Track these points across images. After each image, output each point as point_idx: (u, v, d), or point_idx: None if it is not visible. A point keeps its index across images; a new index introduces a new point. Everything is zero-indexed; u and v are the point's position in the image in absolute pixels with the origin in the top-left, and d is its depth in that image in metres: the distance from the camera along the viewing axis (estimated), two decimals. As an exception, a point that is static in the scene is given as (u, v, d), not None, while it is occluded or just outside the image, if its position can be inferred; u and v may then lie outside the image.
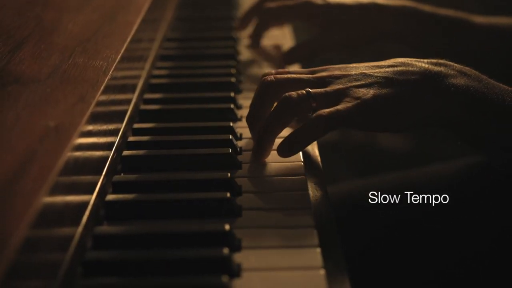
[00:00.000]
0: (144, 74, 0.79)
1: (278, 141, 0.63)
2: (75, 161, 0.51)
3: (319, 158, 0.67)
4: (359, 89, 0.62)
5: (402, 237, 0.74)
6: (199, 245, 0.52)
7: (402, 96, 0.62)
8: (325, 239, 0.54)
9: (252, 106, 0.66)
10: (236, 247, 0.52)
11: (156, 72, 0.84)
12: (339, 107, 0.61)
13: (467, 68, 0.65)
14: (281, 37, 0.97)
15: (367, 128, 0.63)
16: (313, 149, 0.68)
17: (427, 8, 0.88)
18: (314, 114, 0.61)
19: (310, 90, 0.62)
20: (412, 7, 0.88)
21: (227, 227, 0.52)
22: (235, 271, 0.49)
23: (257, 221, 0.55)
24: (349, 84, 0.63)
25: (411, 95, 0.62)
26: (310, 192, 0.60)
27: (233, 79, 0.80)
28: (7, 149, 0.47)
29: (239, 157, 0.65)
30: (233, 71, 0.83)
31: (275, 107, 0.63)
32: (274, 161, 0.64)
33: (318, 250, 0.51)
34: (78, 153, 0.52)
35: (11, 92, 0.56)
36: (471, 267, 0.72)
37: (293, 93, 0.62)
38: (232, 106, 0.73)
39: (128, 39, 0.72)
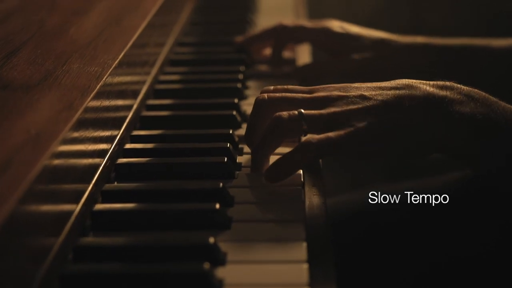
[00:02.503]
0: (149, 79, 0.78)
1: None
2: (54, 170, 0.49)
3: (320, 166, 0.64)
4: (355, 115, 0.58)
5: (400, 238, 0.71)
6: (183, 259, 0.50)
7: (401, 124, 0.58)
8: (317, 253, 0.51)
9: (247, 125, 0.64)
10: (220, 261, 0.50)
11: (163, 77, 0.82)
12: (331, 134, 0.57)
13: (475, 91, 0.60)
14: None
15: (360, 157, 0.60)
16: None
17: (439, 40, 0.85)
18: (303, 140, 0.58)
19: (303, 111, 0.59)
20: (423, 42, 0.85)
21: (211, 240, 0.50)
22: (215, 287, 0.47)
23: (246, 234, 0.53)
24: (345, 108, 0.59)
25: (411, 123, 0.59)
26: (307, 202, 0.58)
27: (239, 85, 0.78)
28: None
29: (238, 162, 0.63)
30: (240, 76, 0.81)
31: (265, 127, 0.61)
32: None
33: (305, 266, 0.49)
34: (59, 161, 0.50)
35: (-3, 98, 0.55)
36: (471, 267, 0.68)
37: (284, 114, 0.59)
38: (234, 112, 0.71)
39: (129, 44, 0.70)
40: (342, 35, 0.85)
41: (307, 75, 0.84)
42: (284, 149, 0.62)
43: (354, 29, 0.86)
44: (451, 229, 0.70)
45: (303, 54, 0.93)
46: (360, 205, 0.74)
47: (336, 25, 0.86)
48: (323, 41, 0.86)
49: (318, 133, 0.59)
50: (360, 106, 0.59)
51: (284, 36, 0.87)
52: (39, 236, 0.47)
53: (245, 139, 0.64)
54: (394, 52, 0.84)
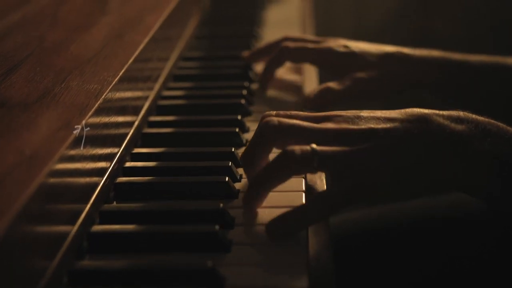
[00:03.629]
0: (152, 95, 0.77)
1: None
2: (50, 189, 0.48)
3: (325, 187, 0.63)
4: (367, 156, 0.55)
5: (405, 255, 0.68)
6: (182, 283, 0.49)
7: (414, 164, 0.55)
8: (318, 279, 0.50)
9: (249, 147, 0.59)
10: (219, 285, 0.49)
11: (166, 93, 0.81)
12: (338, 189, 0.54)
13: (492, 123, 0.57)
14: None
15: (371, 204, 0.57)
16: (320, 177, 0.64)
17: (457, 56, 0.80)
18: (321, 193, 0.55)
19: (316, 147, 0.55)
20: (440, 56, 0.80)
21: (209, 264, 0.49)
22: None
23: (246, 258, 0.52)
24: (356, 148, 0.55)
25: (425, 162, 0.55)
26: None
27: (242, 101, 0.77)
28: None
29: (238, 185, 0.61)
30: (244, 92, 0.80)
31: (273, 160, 0.56)
32: (275, 190, 0.59)
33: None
34: (54, 180, 0.49)
35: (-7, 117, 0.54)
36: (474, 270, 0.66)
37: (297, 149, 0.55)
38: (237, 130, 0.70)
39: (130, 60, 0.69)
40: (345, 55, 0.80)
41: (319, 105, 0.78)
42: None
43: (361, 46, 0.82)
44: (457, 244, 0.68)
45: (310, 75, 0.89)
46: (364, 222, 0.72)
47: (340, 44, 0.82)
48: (325, 61, 0.82)
49: (325, 171, 0.55)
50: (371, 144, 0.55)
51: (284, 56, 0.82)
52: (32, 258, 0.46)
53: (241, 162, 0.60)
54: (407, 67, 0.79)
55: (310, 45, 0.82)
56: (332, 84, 0.79)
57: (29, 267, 0.45)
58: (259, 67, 0.88)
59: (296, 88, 0.85)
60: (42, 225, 0.47)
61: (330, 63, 0.81)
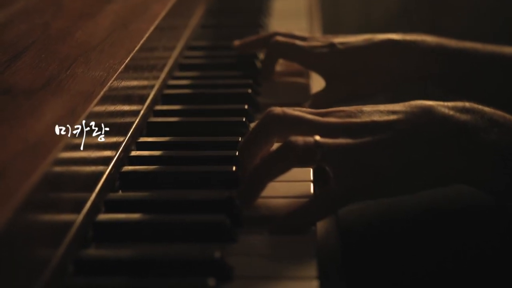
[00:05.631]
0: (157, 84, 0.76)
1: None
2: (55, 177, 0.47)
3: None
4: (370, 150, 0.54)
5: (414, 246, 0.67)
6: (188, 273, 0.48)
7: (420, 157, 0.53)
8: (326, 268, 0.49)
9: (249, 135, 0.57)
10: (227, 276, 0.48)
11: (172, 82, 0.80)
12: (342, 184, 0.53)
13: (498, 113, 0.56)
14: None
15: (374, 197, 0.56)
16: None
17: (453, 42, 0.76)
18: (326, 189, 0.54)
19: (319, 139, 0.54)
20: (435, 42, 0.75)
21: (217, 254, 0.48)
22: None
23: (253, 248, 0.51)
24: (359, 141, 0.54)
25: (431, 155, 0.53)
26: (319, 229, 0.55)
27: (249, 90, 0.76)
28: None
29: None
30: (250, 81, 0.79)
31: (275, 150, 0.55)
32: (282, 180, 0.58)
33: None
34: (59, 169, 0.48)
35: (-3, 104, 0.53)
36: (489, 272, 0.65)
37: (300, 140, 0.53)
38: (244, 119, 0.69)
39: (136, 48, 0.68)
40: (335, 53, 0.75)
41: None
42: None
43: (351, 41, 0.76)
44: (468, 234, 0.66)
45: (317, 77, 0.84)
46: (372, 213, 0.71)
47: (330, 41, 0.77)
48: (311, 62, 0.77)
49: (327, 165, 0.54)
50: (375, 137, 0.54)
51: (274, 52, 0.79)
52: (37, 247, 0.45)
53: (240, 151, 0.58)
54: (399, 57, 0.75)
55: (299, 43, 0.78)
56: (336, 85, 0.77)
57: (34, 256, 0.44)
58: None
59: (303, 90, 0.81)
60: (47, 214, 0.46)
61: (319, 64, 0.77)
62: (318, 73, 0.79)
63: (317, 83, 0.81)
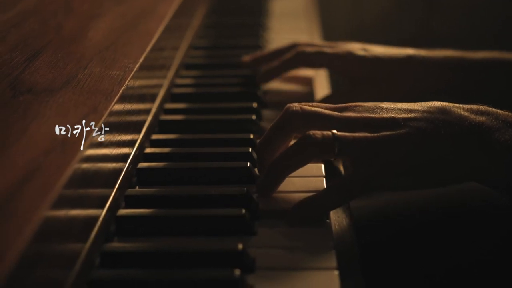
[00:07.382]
0: (166, 83, 0.78)
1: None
2: (82, 174, 0.49)
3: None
4: (388, 143, 0.55)
5: (427, 243, 0.69)
6: (211, 266, 0.50)
7: (434, 153, 0.55)
8: (345, 260, 0.51)
9: (268, 133, 0.59)
10: (249, 268, 0.50)
11: (179, 81, 0.82)
12: (368, 168, 0.55)
13: (511, 115, 0.57)
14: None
15: (390, 189, 0.58)
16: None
17: (470, 54, 0.78)
18: (344, 177, 0.55)
19: (337, 132, 0.56)
20: (456, 58, 0.78)
21: (240, 246, 0.50)
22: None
23: (272, 240, 0.53)
24: (376, 135, 0.56)
25: (447, 153, 0.55)
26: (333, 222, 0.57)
27: (257, 89, 0.78)
28: (6, 165, 0.45)
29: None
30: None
31: (294, 143, 0.56)
32: (295, 175, 0.60)
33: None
34: (86, 166, 0.50)
35: (22, 102, 0.54)
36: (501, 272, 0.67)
37: (318, 133, 0.55)
38: (254, 117, 0.71)
39: (148, 48, 0.70)
40: (365, 59, 0.78)
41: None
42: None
43: (378, 49, 0.79)
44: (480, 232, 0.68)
45: (321, 83, 0.86)
46: (384, 209, 0.73)
47: (358, 47, 0.79)
48: (343, 66, 0.79)
49: (345, 158, 0.56)
50: (393, 132, 0.56)
51: (301, 60, 0.79)
52: (69, 242, 0.47)
53: (259, 147, 0.60)
54: (426, 70, 0.78)
55: (327, 50, 0.80)
56: (345, 92, 0.78)
57: (67, 250, 0.46)
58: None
59: (307, 98, 0.81)
60: (76, 209, 0.48)
61: (348, 68, 0.79)
62: (345, 76, 0.81)
63: (320, 91, 0.83)
